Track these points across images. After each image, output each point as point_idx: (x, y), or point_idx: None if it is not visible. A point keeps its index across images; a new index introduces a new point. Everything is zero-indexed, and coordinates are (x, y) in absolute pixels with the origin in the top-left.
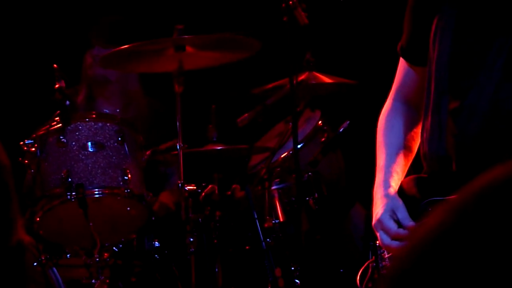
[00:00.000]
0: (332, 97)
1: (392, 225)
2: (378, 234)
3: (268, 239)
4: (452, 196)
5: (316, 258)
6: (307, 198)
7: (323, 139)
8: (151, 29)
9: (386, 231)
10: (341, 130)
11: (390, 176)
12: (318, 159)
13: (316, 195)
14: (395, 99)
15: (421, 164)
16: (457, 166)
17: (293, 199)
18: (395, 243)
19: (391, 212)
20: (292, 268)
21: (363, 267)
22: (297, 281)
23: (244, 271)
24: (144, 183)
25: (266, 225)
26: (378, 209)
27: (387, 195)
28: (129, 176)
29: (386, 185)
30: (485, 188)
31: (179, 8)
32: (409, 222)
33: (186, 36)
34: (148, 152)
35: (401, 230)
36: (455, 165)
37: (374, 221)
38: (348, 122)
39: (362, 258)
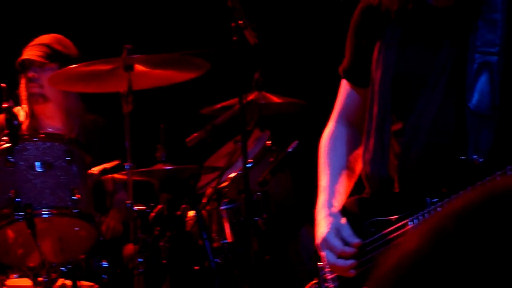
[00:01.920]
0: (281, 117)
1: (338, 243)
2: (323, 254)
3: (217, 259)
4: (394, 216)
5: (265, 278)
6: (256, 218)
7: (272, 159)
8: (99, 49)
9: (332, 249)
10: (290, 150)
11: (333, 196)
12: (267, 179)
13: (265, 215)
14: (337, 121)
15: (364, 185)
16: (399, 187)
17: (242, 219)
18: (340, 262)
19: (336, 231)
20: None
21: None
22: None
23: None
24: (93, 203)
25: (215, 245)
26: (323, 228)
27: (331, 215)
28: (78, 196)
29: (330, 205)
30: (463, 211)
31: (128, 27)
32: (355, 240)
33: (135, 56)
34: (96, 172)
35: (347, 248)
36: (397, 186)
37: (319, 241)
38: (297, 142)
39: (311, 279)
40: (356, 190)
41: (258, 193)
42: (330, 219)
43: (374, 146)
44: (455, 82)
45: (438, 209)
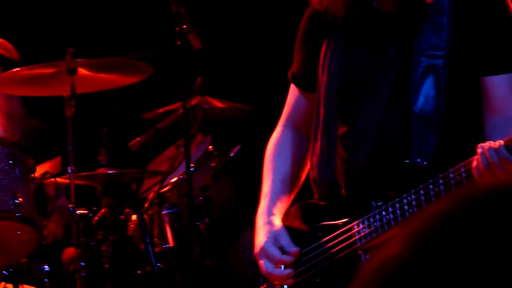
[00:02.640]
0: (223, 121)
1: (276, 253)
2: (261, 262)
3: (159, 264)
4: (341, 221)
5: (206, 283)
6: (198, 223)
7: (213, 164)
8: (43, 52)
9: (270, 258)
10: (232, 155)
11: (273, 204)
12: (208, 184)
13: (207, 220)
14: (285, 126)
15: (312, 190)
16: (346, 190)
17: (184, 223)
18: (277, 271)
19: (274, 240)
20: None
21: None
22: None
23: None
24: (35, 207)
25: (157, 249)
26: (261, 237)
27: (269, 223)
28: (20, 199)
29: (269, 212)
30: (446, 215)
31: (72, 30)
32: (293, 249)
33: (78, 59)
34: (38, 176)
35: (285, 257)
36: (344, 190)
37: (257, 249)
38: (239, 147)
39: (252, 284)
40: (306, 195)
41: (200, 198)
42: (269, 227)
43: (321, 150)
44: (401, 86)
45: (406, 213)
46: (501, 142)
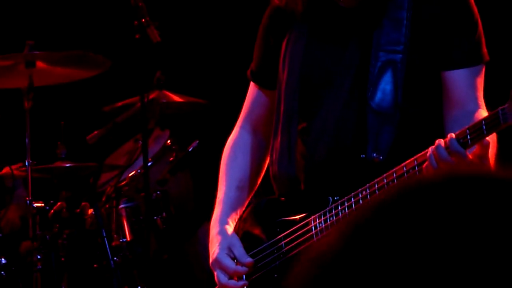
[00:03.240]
0: (182, 116)
1: (230, 263)
2: (215, 273)
3: (115, 258)
4: (298, 216)
5: (163, 277)
6: (155, 217)
7: (171, 159)
8: (0, 44)
9: (224, 269)
10: (190, 150)
11: (227, 212)
12: (166, 178)
13: (164, 214)
14: (242, 127)
15: (271, 186)
16: (305, 186)
17: (141, 218)
18: (232, 282)
19: (228, 250)
20: (139, 287)
21: None
22: None
23: None
24: None
25: (114, 243)
26: (214, 247)
27: (222, 232)
28: None
29: (222, 221)
30: (378, 208)
31: (30, 23)
32: (246, 259)
33: (36, 52)
34: None
35: (239, 268)
36: (303, 185)
37: (211, 260)
38: (197, 141)
39: (209, 278)
40: (264, 192)
41: (158, 192)
42: (221, 237)
43: (281, 146)
44: (359, 81)
45: (341, 207)
46: (453, 135)
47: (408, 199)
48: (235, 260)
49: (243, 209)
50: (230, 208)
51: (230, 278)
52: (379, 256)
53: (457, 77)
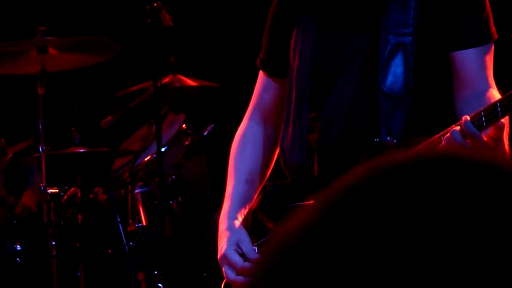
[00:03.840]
0: (196, 100)
1: (238, 260)
2: (224, 269)
3: (131, 243)
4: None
5: (179, 262)
6: (171, 202)
7: (187, 143)
8: (13, 30)
9: (231, 265)
10: (205, 134)
11: (235, 207)
12: (181, 163)
13: (180, 198)
14: (251, 119)
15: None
16: (318, 171)
17: (157, 202)
18: (240, 278)
19: (236, 246)
20: (155, 272)
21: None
22: (160, 285)
23: (107, 275)
24: (5, 186)
25: (129, 229)
26: (222, 243)
27: (230, 228)
28: None
29: (231, 216)
30: (350, 187)
31: (42, 9)
32: (254, 255)
33: (49, 38)
34: (10, 155)
35: (247, 264)
36: (316, 171)
37: (219, 256)
38: (212, 125)
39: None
40: (281, 175)
41: (173, 177)
42: (229, 233)
43: (293, 133)
44: (370, 66)
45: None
46: (467, 117)
47: (375, 181)
48: (244, 256)
49: (252, 201)
50: (239, 203)
51: (238, 274)
52: (345, 241)
53: (466, 57)
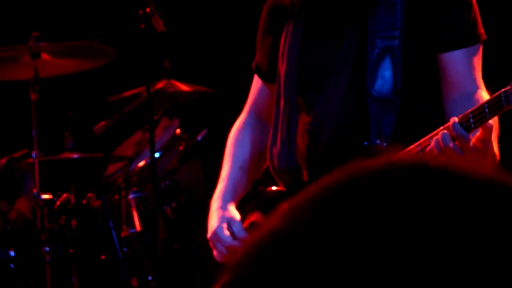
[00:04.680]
0: (190, 105)
1: (227, 237)
2: (213, 246)
3: (124, 249)
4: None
5: (173, 267)
6: (165, 207)
7: (181, 148)
8: (5, 36)
9: (220, 242)
10: (199, 139)
11: (229, 189)
12: (176, 168)
13: (174, 204)
14: (249, 113)
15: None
16: (308, 176)
17: (150, 208)
18: (228, 256)
19: (227, 225)
20: (149, 278)
21: (218, 285)
22: None
23: (100, 281)
24: None
25: (123, 234)
26: (213, 221)
27: (223, 207)
28: None
29: (224, 197)
30: (318, 195)
31: (35, 14)
32: (244, 236)
33: (42, 43)
34: (3, 161)
35: (235, 242)
36: (306, 176)
37: (209, 234)
38: (206, 130)
39: (219, 268)
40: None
41: (167, 182)
42: (222, 212)
43: (281, 139)
44: (358, 70)
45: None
46: (456, 119)
47: (343, 188)
48: (234, 236)
49: (246, 189)
50: (232, 186)
51: (226, 252)
52: (321, 242)
53: (453, 59)
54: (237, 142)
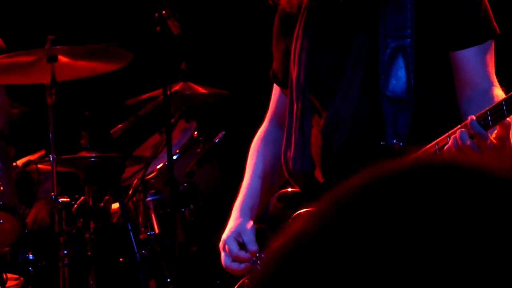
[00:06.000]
0: (207, 107)
1: (234, 247)
2: (221, 255)
3: (143, 251)
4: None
5: (191, 269)
6: (183, 209)
7: (198, 150)
8: (22, 40)
9: (228, 252)
10: (216, 141)
11: (247, 200)
12: (193, 170)
13: (192, 206)
14: (270, 122)
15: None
16: (324, 178)
17: (169, 210)
18: (234, 265)
19: (237, 235)
20: (168, 280)
21: (238, 284)
22: None
23: (118, 283)
24: (17, 195)
25: (141, 236)
26: (227, 231)
27: (237, 218)
28: (1, 188)
29: (241, 208)
30: (344, 196)
31: (51, 18)
32: (253, 247)
33: (58, 47)
34: (20, 164)
35: (242, 253)
36: (322, 178)
37: (220, 242)
38: (223, 132)
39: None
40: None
41: (185, 184)
42: (235, 222)
43: (296, 143)
44: (370, 71)
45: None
46: (473, 117)
47: (370, 189)
48: (244, 246)
49: (265, 198)
50: (250, 197)
51: (233, 261)
52: (359, 237)
53: (465, 57)
54: (258, 151)
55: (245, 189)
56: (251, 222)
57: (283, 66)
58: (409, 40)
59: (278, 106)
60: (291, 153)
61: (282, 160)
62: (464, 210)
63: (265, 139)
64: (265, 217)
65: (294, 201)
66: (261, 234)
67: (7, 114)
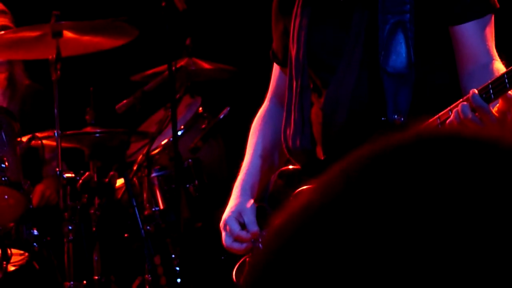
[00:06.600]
0: (212, 83)
1: (235, 227)
2: (222, 235)
3: (148, 227)
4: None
5: (196, 245)
6: (188, 185)
7: (203, 126)
8: (27, 15)
9: (229, 232)
10: (221, 117)
11: (248, 179)
12: (198, 146)
13: (197, 182)
14: (270, 101)
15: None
16: (325, 155)
17: (173, 186)
18: (236, 245)
19: (238, 215)
20: (173, 256)
21: (239, 262)
22: (177, 268)
23: (123, 259)
24: (22, 171)
25: (146, 212)
26: (228, 210)
27: (238, 197)
28: (6, 164)
29: (242, 187)
30: (350, 169)
31: None
32: (254, 227)
33: (63, 22)
34: (25, 140)
35: (243, 233)
36: (322, 155)
37: (221, 222)
38: (228, 108)
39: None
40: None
41: (190, 160)
42: (235, 201)
43: (295, 121)
44: (370, 47)
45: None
46: (475, 90)
47: (382, 164)
48: (244, 226)
49: (266, 177)
50: (250, 175)
51: (234, 241)
52: (371, 208)
53: (465, 31)
54: (259, 130)
55: (246, 168)
56: (252, 201)
57: (282, 45)
58: (408, 15)
59: (278, 85)
60: (290, 131)
61: (282, 138)
62: (468, 178)
63: (265, 118)
64: (266, 195)
65: (295, 179)
66: (261, 212)
67: (23, 90)
